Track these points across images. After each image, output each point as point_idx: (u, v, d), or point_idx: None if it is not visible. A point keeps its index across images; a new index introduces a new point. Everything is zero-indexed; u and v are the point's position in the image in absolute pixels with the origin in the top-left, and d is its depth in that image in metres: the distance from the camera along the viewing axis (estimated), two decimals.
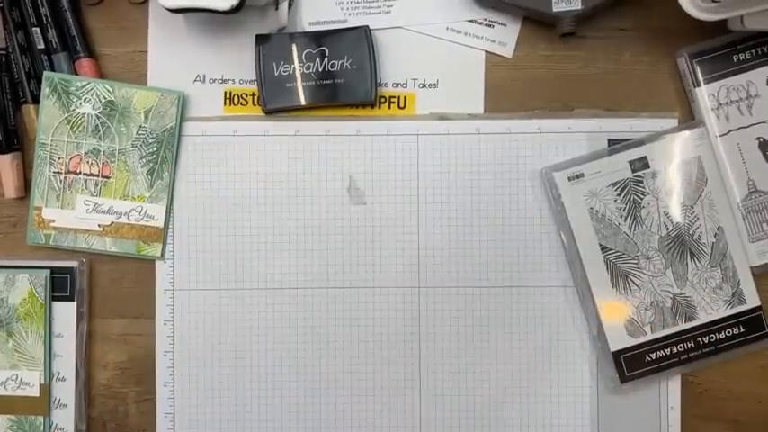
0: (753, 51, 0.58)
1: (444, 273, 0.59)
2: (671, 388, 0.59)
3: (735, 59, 0.58)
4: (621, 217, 0.57)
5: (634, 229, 0.57)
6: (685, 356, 0.58)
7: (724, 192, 0.58)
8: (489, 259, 0.59)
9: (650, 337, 0.58)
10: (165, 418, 0.59)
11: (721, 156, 0.58)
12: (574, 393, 0.59)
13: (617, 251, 0.57)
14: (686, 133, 0.58)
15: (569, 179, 0.57)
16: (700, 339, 0.58)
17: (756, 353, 0.59)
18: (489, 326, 0.59)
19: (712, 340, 0.58)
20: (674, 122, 0.59)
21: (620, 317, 0.57)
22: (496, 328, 0.59)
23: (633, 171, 0.57)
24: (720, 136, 0.58)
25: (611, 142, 0.59)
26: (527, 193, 0.59)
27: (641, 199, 0.57)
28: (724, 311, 0.58)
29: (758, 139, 0.58)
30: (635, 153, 0.57)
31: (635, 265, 0.57)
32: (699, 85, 0.58)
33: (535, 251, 0.59)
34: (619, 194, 0.57)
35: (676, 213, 0.57)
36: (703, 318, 0.58)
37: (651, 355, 0.58)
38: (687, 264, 0.57)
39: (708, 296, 0.58)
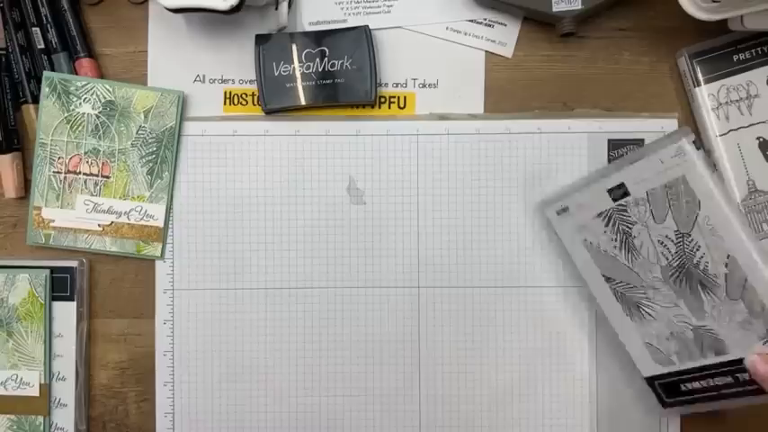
0: (753, 51, 0.58)
1: (444, 273, 0.59)
2: None
3: (735, 59, 0.58)
4: (615, 248, 0.53)
5: (632, 260, 0.53)
6: (727, 391, 0.52)
7: (727, 215, 0.49)
8: (489, 259, 0.59)
9: (680, 367, 0.53)
10: (164, 418, 0.59)
11: (721, 156, 0.58)
12: (574, 393, 0.59)
13: (621, 281, 0.54)
14: (661, 153, 0.50)
15: (557, 213, 0.55)
16: (738, 376, 0.51)
17: None
18: (489, 326, 0.59)
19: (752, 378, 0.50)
20: (674, 122, 0.59)
21: (642, 345, 0.54)
22: (496, 328, 0.59)
23: (614, 200, 0.53)
24: (720, 136, 0.58)
25: (611, 142, 0.59)
26: (527, 193, 0.59)
27: (630, 228, 0.52)
28: (762, 348, 0.49)
29: (758, 138, 0.58)
30: (611, 181, 0.53)
31: (643, 296, 0.53)
32: (699, 85, 0.58)
33: (535, 251, 0.59)
34: (606, 225, 0.53)
35: (672, 242, 0.51)
36: (738, 353, 0.50)
37: (687, 385, 0.53)
38: (700, 295, 0.51)
39: (737, 331, 0.50)
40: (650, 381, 0.55)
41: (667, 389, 0.54)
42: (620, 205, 0.53)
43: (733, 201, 0.53)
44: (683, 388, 0.54)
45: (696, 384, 0.53)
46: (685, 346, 0.52)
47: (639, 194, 0.52)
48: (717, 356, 0.51)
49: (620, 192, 0.53)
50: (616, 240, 0.53)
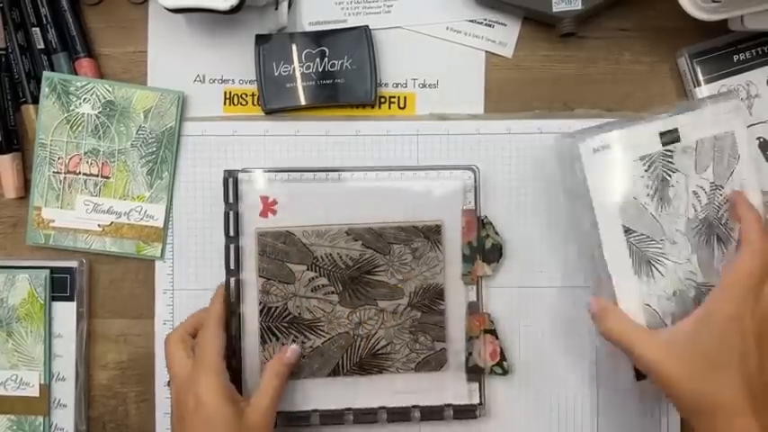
0: (753, 51, 0.58)
1: None
2: None
3: (735, 59, 0.58)
4: (648, 195, 0.53)
5: (660, 210, 0.53)
6: None
7: (754, 171, 0.54)
8: None
9: None
10: (164, 418, 0.59)
11: None
12: (574, 393, 0.59)
13: (641, 234, 0.52)
14: (721, 105, 0.54)
15: (594, 150, 0.52)
16: None
17: None
18: None
19: None
20: None
21: (640, 306, 0.52)
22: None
23: (663, 144, 0.53)
24: None
25: None
26: (527, 193, 0.59)
27: (670, 176, 0.53)
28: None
29: (758, 138, 0.58)
30: (666, 124, 0.53)
31: (659, 251, 0.53)
32: (699, 85, 0.58)
33: (534, 250, 0.59)
34: (646, 170, 0.53)
35: (705, 193, 0.53)
36: None
37: None
38: (713, 250, 0.53)
39: None
40: None
41: None
42: (667, 150, 0.53)
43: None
44: None
45: None
46: (683, 306, 0.53)
47: (689, 142, 0.53)
48: None
49: (671, 136, 0.53)
50: (651, 188, 0.53)
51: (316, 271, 0.57)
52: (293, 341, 0.57)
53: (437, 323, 0.57)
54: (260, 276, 0.57)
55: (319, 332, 0.57)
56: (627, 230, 0.53)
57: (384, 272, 0.57)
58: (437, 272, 0.57)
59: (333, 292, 0.57)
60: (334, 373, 0.57)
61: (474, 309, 0.58)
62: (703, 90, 0.58)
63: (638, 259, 0.53)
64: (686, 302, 0.53)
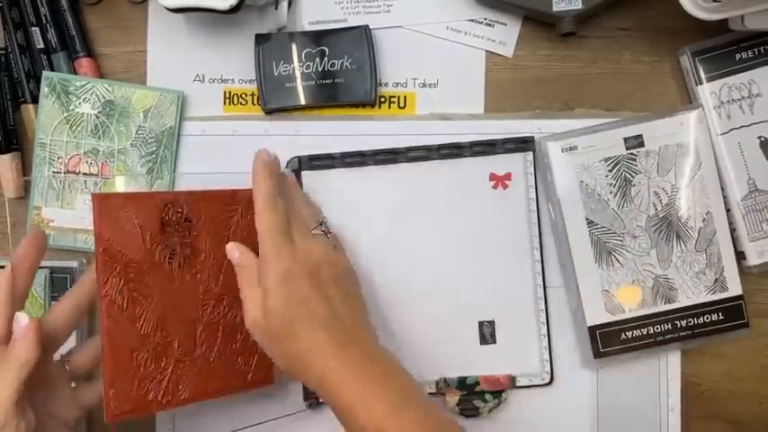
0: (755, 50, 0.58)
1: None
2: (671, 388, 0.59)
3: (737, 58, 0.58)
4: (611, 193, 0.57)
5: (622, 207, 0.57)
6: (661, 338, 0.57)
7: (716, 177, 0.57)
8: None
9: (628, 315, 0.57)
10: (164, 418, 0.59)
11: (722, 154, 0.58)
12: (575, 391, 0.59)
13: (603, 227, 0.57)
14: (684, 115, 0.57)
15: (563, 150, 0.57)
16: (677, 322, 0.57)
17: (757, 352, 0.59)
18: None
19: (690, 324, 0.57)
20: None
21: (600, 292, 0.57)
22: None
23: (627, 148, 0.57)
24: (722, 134, 0.58)
25: None
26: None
27: (633, 177, 0.57)
28: (705, 297, 0.57)
29: (759, 137, 0.58)
30: (631, 130, 0.57)
31: (619, 243, 0.57)
32: (701, 83, 0.58)
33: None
34: (610, 170, 0.57)
35: (666, 194, 0.57)
36: (683, 301, 0.57)
37: (627, 333, 0.57)
38: (672, 246, 0.57)
39: (690, 280, 0.57)
40: (593, 330, 0.57)
41: (606, 338, 0.57)
42: (631, 154, 0.57)
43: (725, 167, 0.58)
44: (622, 336, 0.57)
45: (636, 332, 0.57)
46: (642, 293, 0.58)
47: (653, 147, 0.57)
48: (666, 304, 0.57)
49: (635, 141, 0.57)
50: (614, 186, 0.57)
51: None
52: None
53: None
54: None
55: None
56: (590, 223, 0.57)
57: None
58: None
59: None
60: None
61: None
62: (705, 89, 0.58)
63: (600, 249, 0.57)
64: (645, 291, 0.57)
